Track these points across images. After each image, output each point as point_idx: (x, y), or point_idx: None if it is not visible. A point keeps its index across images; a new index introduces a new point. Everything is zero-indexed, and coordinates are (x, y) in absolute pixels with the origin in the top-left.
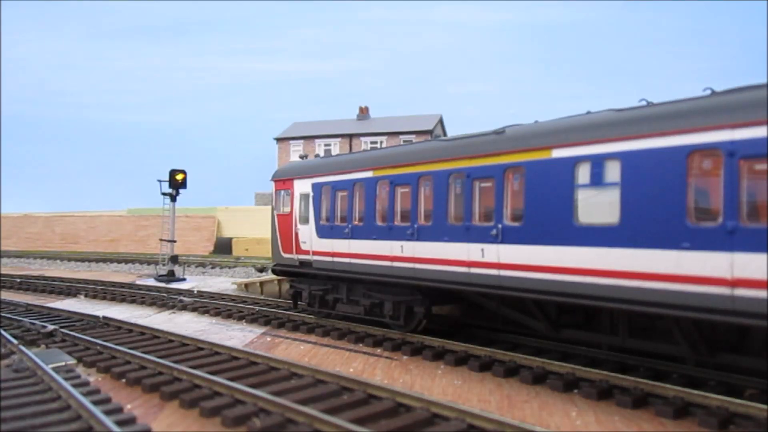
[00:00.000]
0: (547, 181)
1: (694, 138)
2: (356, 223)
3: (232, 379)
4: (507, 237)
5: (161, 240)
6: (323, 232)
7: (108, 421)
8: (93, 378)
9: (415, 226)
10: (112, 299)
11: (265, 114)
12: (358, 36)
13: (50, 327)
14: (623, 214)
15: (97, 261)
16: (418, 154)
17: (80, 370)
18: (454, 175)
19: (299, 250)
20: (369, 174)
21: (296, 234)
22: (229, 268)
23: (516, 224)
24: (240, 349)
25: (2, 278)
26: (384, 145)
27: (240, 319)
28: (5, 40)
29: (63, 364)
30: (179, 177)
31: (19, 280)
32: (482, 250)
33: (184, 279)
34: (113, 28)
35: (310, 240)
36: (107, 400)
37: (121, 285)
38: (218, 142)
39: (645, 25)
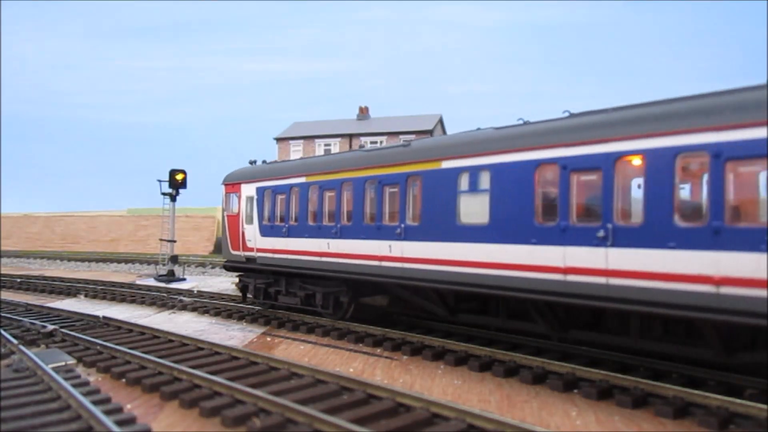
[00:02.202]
0: (438, 187)
1: (539, 154)
2: (292, 223)
3: (232, 379)
4: (408, 235)
5: (161, 240)
6: (265, 231)
7: (108, 421)
8: (93, 378)
9: (339, 225)
10: (112, 299)
11: (265, 114)
12: (358, 36)
13: (50, 327)
14: (491, 215)
15: (97, 261)
16: (342, 162)
17: (80, 370)
18: (369, 182)
19: (245, 248)
20: (303, 180)
21: (243, 233)
22: None
23: (415, 224)
24: (240, 349)
25: (2, 278)
26: (384, 145)
27: (240, 319)
28: (5, 40)
29: (63, 364)
30: (179, 177)
31: (19, 280)
32: (390, 246)
33: (184, 279)
34: (113, 28)
35: (254, 238)
36: (107, 400)
37: (121, 285)
38: (218, 142)
39: (645, 25)
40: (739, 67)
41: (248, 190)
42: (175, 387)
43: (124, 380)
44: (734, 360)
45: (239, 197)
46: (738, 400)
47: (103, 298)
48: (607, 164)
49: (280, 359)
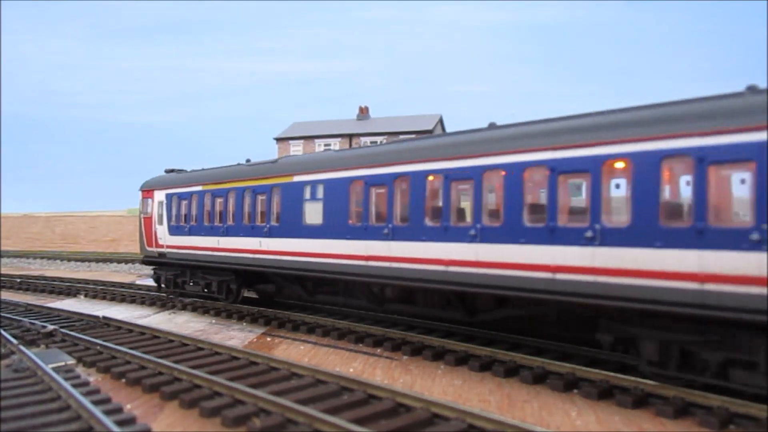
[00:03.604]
0: (291, 195)
1: (353, 173)
2: (193, 223)
3: (232, 379)
4: (273, 233)
5: None
6: (173, 231)
7: (108, 421)
8: (93, 378)
9: (226, 225)
10: (112, 299)
11: (265, 114)
12: (358, 36)
13: (50, 327)
14: (324, 217)
15: (97, 261)
16: (228, 174)
17: (80, 370)
18: (247, 191)
19: (157, 245)
20: (200, 188)
21: (155, 232)
22: None
23: (277, 224)
24: (240, 349)
25: (2, 278)
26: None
27: (240, 319)
28: (5, 40)
29: (63, 364)
30: None
31: (19, 280)
32: (260, 242)
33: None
34: (113, 28)
35: (164, 236)
36: (107, 400)
37: (121, 285)
38: (218, 142)
39: (645, 25)
40: (739, 67)
41: (159, 195)
42: (175, 387)
43: (124, 380)
44: (475, 319)
45: (153, 202)
46: (738, 401)
47: (103, 298)
48: (403, 180)
49: (280, 359)
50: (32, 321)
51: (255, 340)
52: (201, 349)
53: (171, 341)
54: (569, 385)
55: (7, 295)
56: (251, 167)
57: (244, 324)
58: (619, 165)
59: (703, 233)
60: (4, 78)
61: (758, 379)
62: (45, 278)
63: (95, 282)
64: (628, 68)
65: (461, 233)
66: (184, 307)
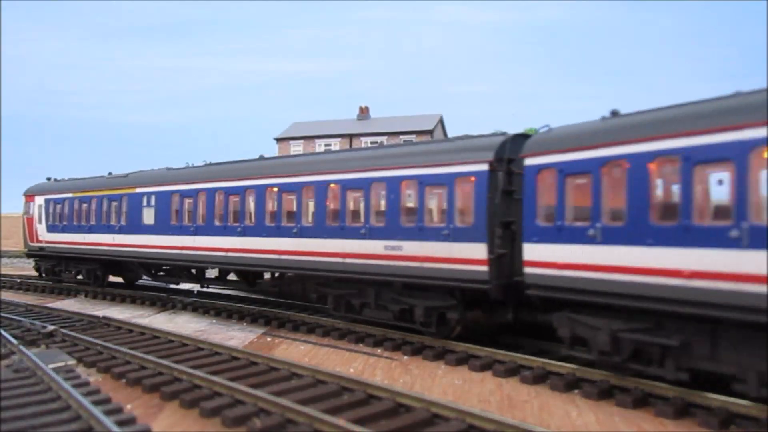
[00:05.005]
0: (135, 202)
1: (171, 187)
2: (65, 222)
3: (232, 380)
4: (122, 230)
5: None
6: (50, 229)
7: (108, 421)
8: (93, 378)
9: (89, 224)
10: (112, 299)
11: (265, 114)
12: (359, 36)
13: (50, 327)
14: (156, 219)
15: None
16: (91, 184)
17: (80, 370)
18: (105, 198)
19: (38, 240)
20: (70, 195)
21: (36, 230)
22: None
23: (125, 224)
24: (240, 350)
25: (2, 278)
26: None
27: (240, 319)
28: (5, 40)
29: (63, 364)
30: None
31: (19, 280)
32: (113, 237)
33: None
34: (113, 28)
35: (44, 233)
36: (107, 400)
37: (121, 285)
38: (218, 142)
39: (645, 25)
40: (739, 68)
41: (39, 200)
42: (175, 387)
43: (124, 380)
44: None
45: (34, 205)
46: (738, 401)
47: (103, 298)
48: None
49: (280, 359)
50: (32, 321)
51: (255, 340)
52: (201, 349)
53: (171, 341)
54: (569, 385)
55: (7, 295)
56: (108, 179)
57: (245, 324)
58: None
59: None
60: (4, 78)
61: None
62: (45, 278)
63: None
64: (629, 68)
65: (232, 230)
66: (184, 308)
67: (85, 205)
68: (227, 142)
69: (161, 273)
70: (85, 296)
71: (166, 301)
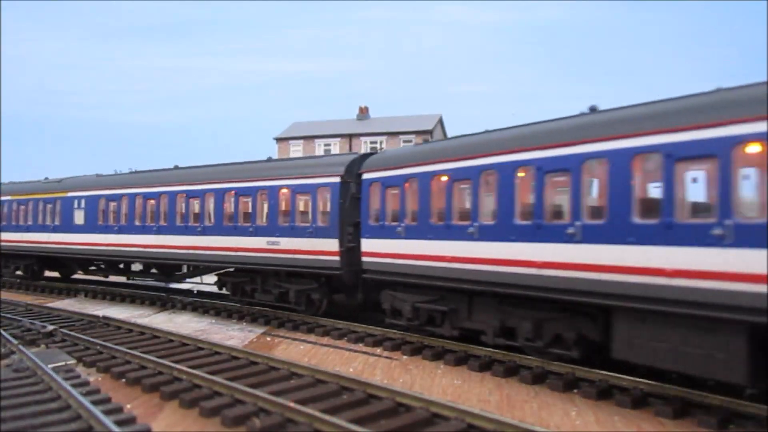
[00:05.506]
0: (68, 205)
1: (98, 192)
2: (4, 222)
3: (231, 379)
4: (55, 229)
5: None
6: (4, 228)
7: (108, 421)
8: (93, 378)
9: (26, 224)
10: (112, 299)
11: (265, 114)
12: (359, 36)
13: (50, 327)
14: (85, 220)
15: None
16: (29, 188)
17: (80, 369)
18: (41, 201)
19: None
20: (10, 197)
21: None
22: None
23: (59, 224)
24: (240, 349)
25: (2, 278)
26: (384, 146)
27: (240, 319)
28: (5, 40)
29: (63, 364)
30: None
31: (18, 280)
32: (49, 236)
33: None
34: (113, 28)
35: None
36: (107, 400)
37: (121, 285)
38: (218, 142)
39: (645, 25)
40: (739, 67)
41: None
42: (175, 387)
43: (124, 380)
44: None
45: None
46: (738, 400)
47: (103, 298)
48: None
49: (280, 359)
50: (32, 321)
51: (255, 339)
52: (201, 348)
53: (171, 341)
54: (569, 385)
55: (7, 295)
56: (44, 184)
57: (244, 324)
58: None
59: None
60: (4, 78)
61: None
62: (45, 278)
63: (95, 282)
64: (629, 68)
65: (149, 229)
66: (183, 307)
67: (23, 207)
68: (227, 142)
69: (92, 267)
70: (85, 296)
71: (165, 301)
